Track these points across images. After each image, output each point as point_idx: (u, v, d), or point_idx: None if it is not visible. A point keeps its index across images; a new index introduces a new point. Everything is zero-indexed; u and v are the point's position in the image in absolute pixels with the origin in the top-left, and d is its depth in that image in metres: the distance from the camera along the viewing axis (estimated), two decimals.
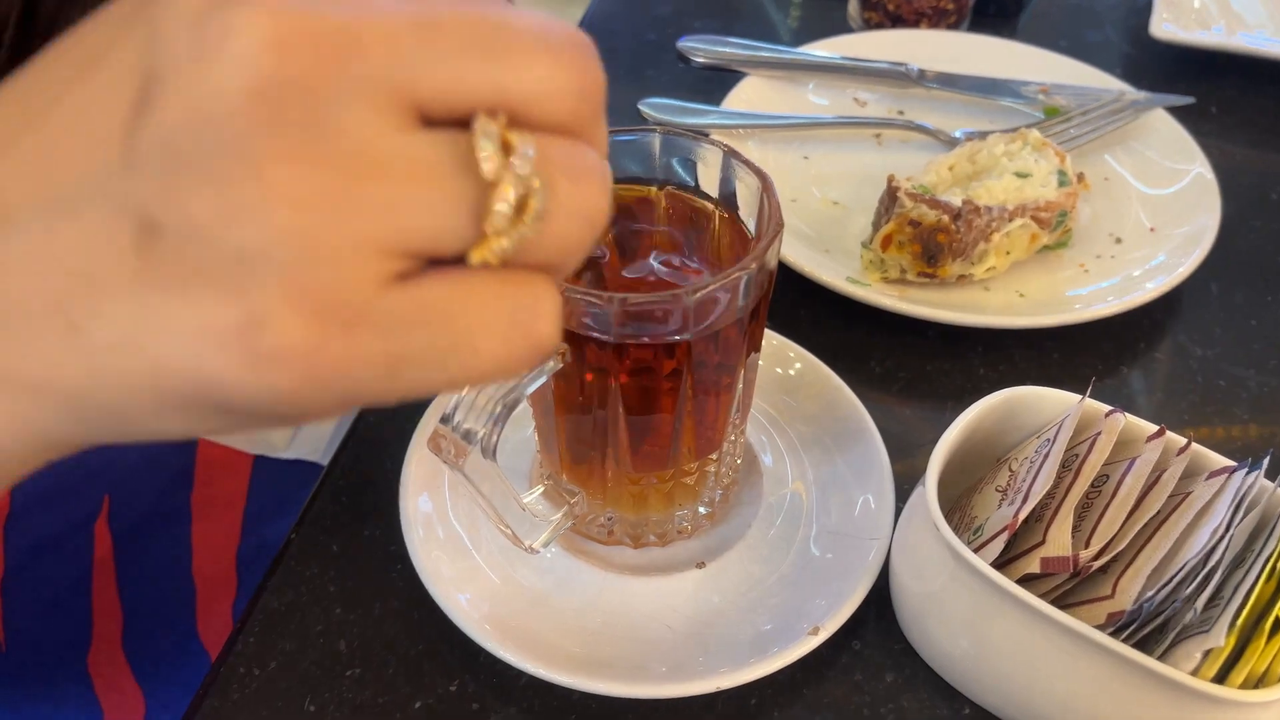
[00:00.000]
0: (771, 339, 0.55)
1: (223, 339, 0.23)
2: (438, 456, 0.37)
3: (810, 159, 0.70)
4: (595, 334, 0.38)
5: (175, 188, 0.22)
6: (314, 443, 0.69)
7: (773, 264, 0.41)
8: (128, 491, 0.64)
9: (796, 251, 0.60)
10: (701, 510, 0.48)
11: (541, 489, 0.46)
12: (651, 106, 0.69)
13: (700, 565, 0.47)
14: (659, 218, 0.45)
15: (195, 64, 0.22)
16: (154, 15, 0.24)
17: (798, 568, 0.47)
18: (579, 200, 0.25)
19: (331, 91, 0.22)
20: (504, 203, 0.24)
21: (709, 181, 0.44)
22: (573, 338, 0.39)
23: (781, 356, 0.55)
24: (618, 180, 0.44)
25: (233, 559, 0.65)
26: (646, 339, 0.39)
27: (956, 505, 0.47)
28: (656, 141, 0.44)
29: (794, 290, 0.60)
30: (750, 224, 0.43)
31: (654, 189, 0.45)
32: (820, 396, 0.53)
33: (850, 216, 0.66)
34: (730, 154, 0.42)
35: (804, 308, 0.61)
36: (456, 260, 0.25)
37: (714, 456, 0.45)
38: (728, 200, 0.44)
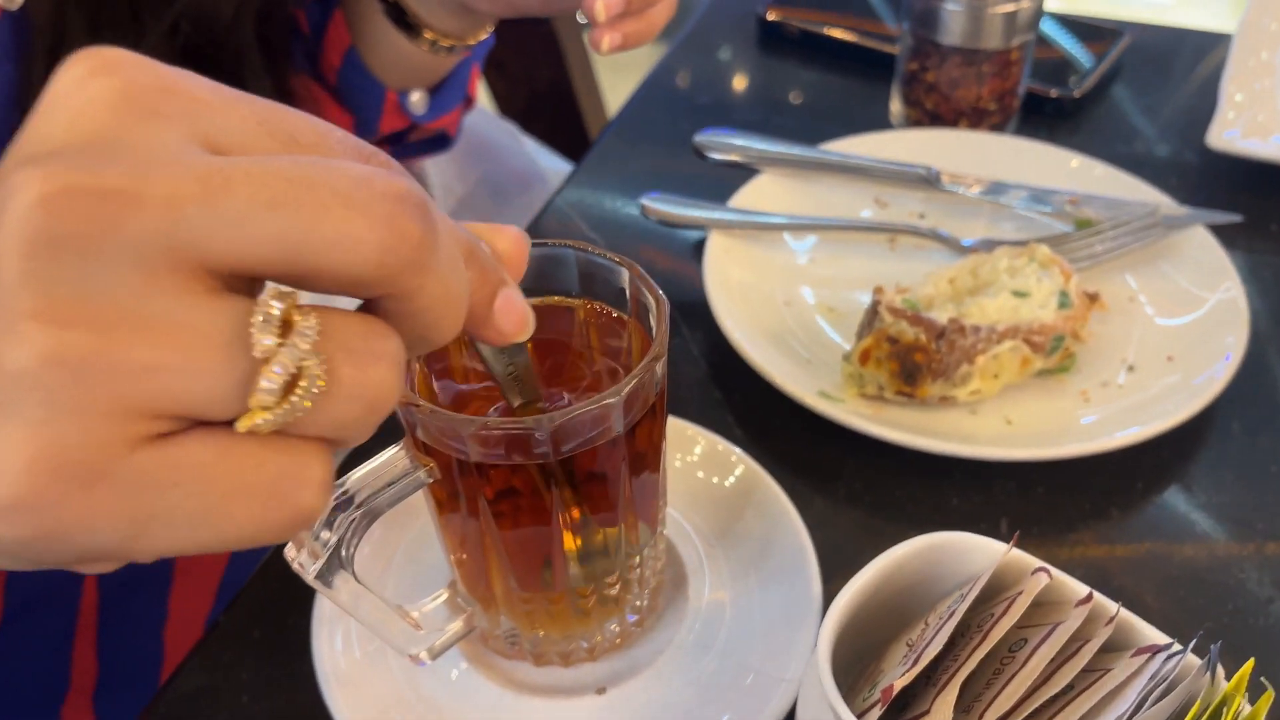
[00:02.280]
0: (717, 444, 0.53)
1: None
2: (290, 565, 0.37)
3: (814, 261, 0.68)
4: (459, 455, 0.38)
5: None
6: None
7: (655, 387, 0.39)
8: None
9: (770, 359, 0.58)
10: (601, 637, 0.46)
11: (444, 595, 0.45)
12: (654, 201, 0.68)
13: (601, 691, 0.46)
14: (578, 329, 0.44)
15: None
16: None
17: (701, 704, 0.45)
18: (360, 382, 0.25)
19: (101, 250, 0.22)
20: (270, 380, 0.24)
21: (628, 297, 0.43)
22: (438, 453, 0.38)
23: (721, 463, 0.53)
24: (539, 292, 0.44)
25: (202, 625, 0.66)
26: (510, 461, 0.38)
27: (878, 651, 0.44)
28: (574, 258, 0.43)
29: (767, 399, 0.58)
30: None
31: (576, 303, 0.44)
32: (764, 515, 0.51)
33: (842, 325, 0.63)
34: (635, 275, 0.41)
35: (776, 417, 0.59)
36: (227, 422, 0.25)
37: (610, 581, 0.44)
38: (641, 316, 0.43)
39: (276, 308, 0.24)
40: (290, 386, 0.24)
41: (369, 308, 0.26)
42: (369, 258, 0.24)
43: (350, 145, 0.27)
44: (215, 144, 0.25)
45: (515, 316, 0.30)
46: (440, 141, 0.78)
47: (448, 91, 0.73)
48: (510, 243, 0.31)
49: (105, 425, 0.23)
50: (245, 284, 0.25)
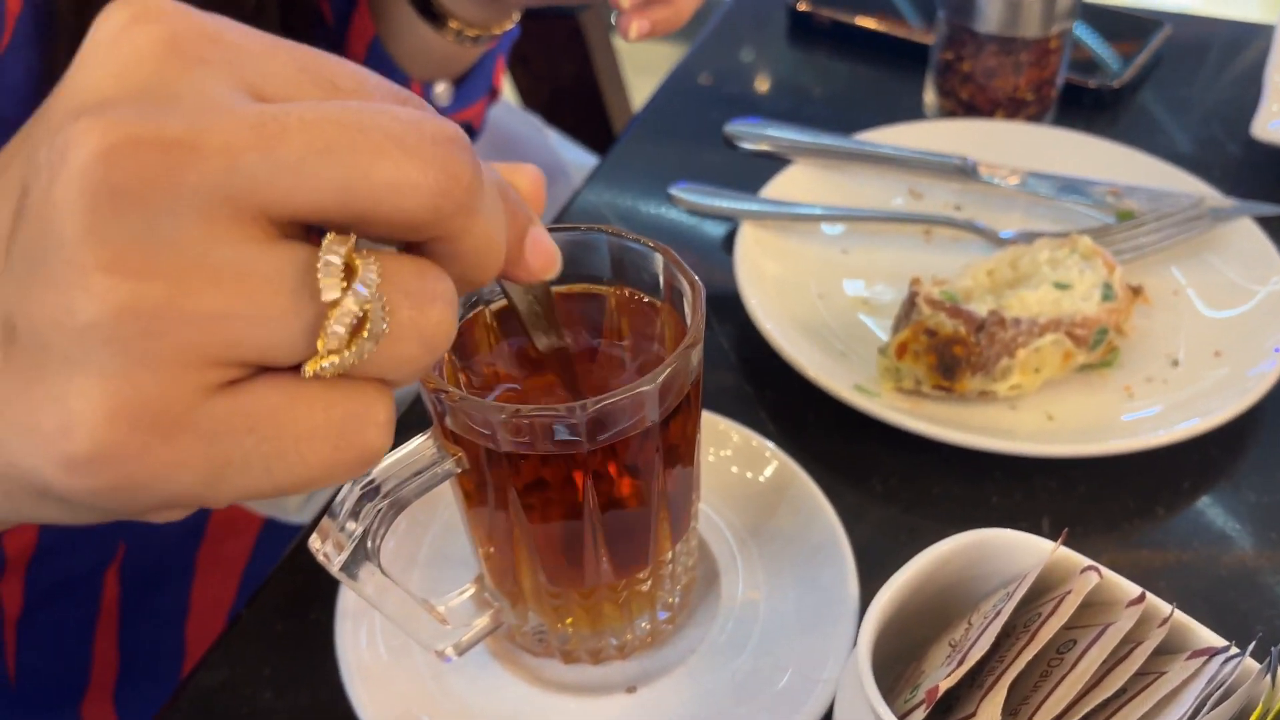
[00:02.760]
0: (751, 439, 0.52)
1: (44, 440, 0.24)
2: (315, 556, 0.36)
3: (849, 253, 0.66)
4: (488, 445, 0.36)
5: (24, 292, 0.23)
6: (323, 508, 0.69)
7: (691, 376, 0.38)
8: (142, 541, 0.66)
9: (805, 353, 0.57)
10: (632, 635, 0.45)
11: (472, 590, 0.44)
12: (683, 191, 0.67)
13: (631, 690, 0.44)
14: (610, 316, 0.43)
15: (47, 176, 0.23)
16: (33, 131, 0.26)
17: (734, 704, 0.43)
18: (419, 324, 0.25)
19: (164, 201, 0.23)
20: (340, 324, 0.24)
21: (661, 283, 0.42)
22: (467, 442, 0.37)
23: (754, 458, 0.51)
24: (569, 280, 0.42)
25: (224, 619, 0.65)
26: (541, 451, 0.36)
27: (918, 652, 0.43)
28: (606, 243, 0.42)
29: (801, 393, 0.57)
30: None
31: (608, 289, 0.43)
32: (798, 511, 0.50)
33: (878, 317, 0.62)
34: (669, 260, 0.40)
35: (811, 412, 0.57)
36: (292, 367, 0.25)
37: (642, 576, 0.43)
38: (675, 302, 0.41)
39: (339, 252, 0.24)
40: (356, 330, 0.24)
41: (414, 250, 0.26)
42: (424, 201, 0.24)
43: (387, 89, 0.27)
44: (259, 91, 0.25)
45: (544, 253, 0.31)
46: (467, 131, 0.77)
47: (472, 83, 0.72)
48: (529, 181, 0.32)
49: (180, 374, 0.23)
50: (300, 230, 0.25)
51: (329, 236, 0.24)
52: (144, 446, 0.23)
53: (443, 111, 0.70)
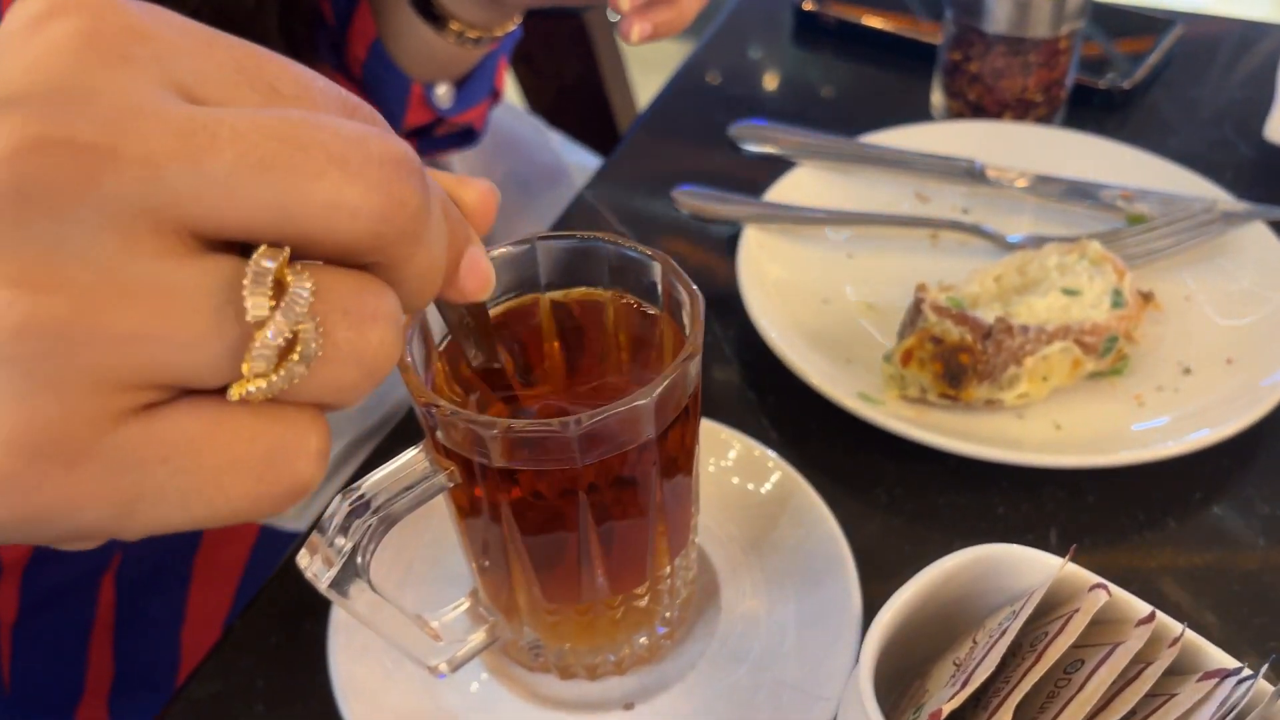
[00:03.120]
0: (753, 449, 0.51)
1: None
2: (303, 574, 0.35)
3: (854, 257, 0.65)
4: (481, 459, 0.35)
5: None
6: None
7: (689, 388, 0.37)
8: (139, 548, 0.65)
9: (808, 359, 0.56)
10: (630, 650, 0.44)
11: (466, 604, 0.43)
12: (686, 194, 0.66)
13: (629, 707, 0.43)
14: (608, 325, 0.42)
15: None
16: None
17: None
18: (357, 345, 0.23)
19: (75, 210, 0.21)
20: (266, 346, 0.22)
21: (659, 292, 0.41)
22: (458, 457, 0.36)
23: (755, 468, 0.50)
24: (569, 284, 0.42)
25: (220, 627, 0.64)
26: (535, 465, 0.35)
27: (922, 669, 0.42)
28: (605, 251, 0.41)
29: (804, 400, 0.56)
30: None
31: (605, 297, 0.42)
32: (800, 523, 0.49)
33: (883, 323, 0.61)
34: (668, 269, 0.39)
35: (813, 420, 0.57)
36: (217, 390, 0.23)
37: (639, 591, 0.42)
38: (674, 312, 0.40)
39: (269, 266, 0.22)
40: (285, 352, 0.22)
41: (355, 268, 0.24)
42: (365, 226, 0.22)
43: (333, 97, 0.25)
44: (190, 92, 0.23)
45: (479, 276, 0.29)
46: (467, 136, 0.76)
47: (474, 84, 0.71)
48: (477, 197, 0.30)
49: (87, 399, 0.21)
50: (232, 245, 0.23)
51: (261, 249, 0.22)
52: (43, 476, 0.21)
53: (444, 113, 0.70)
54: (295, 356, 0.22)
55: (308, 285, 0.22)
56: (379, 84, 0.68)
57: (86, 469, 0.22)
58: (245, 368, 0.22)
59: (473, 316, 0.35)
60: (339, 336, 0.23)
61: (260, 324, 0.22)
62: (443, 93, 0.69)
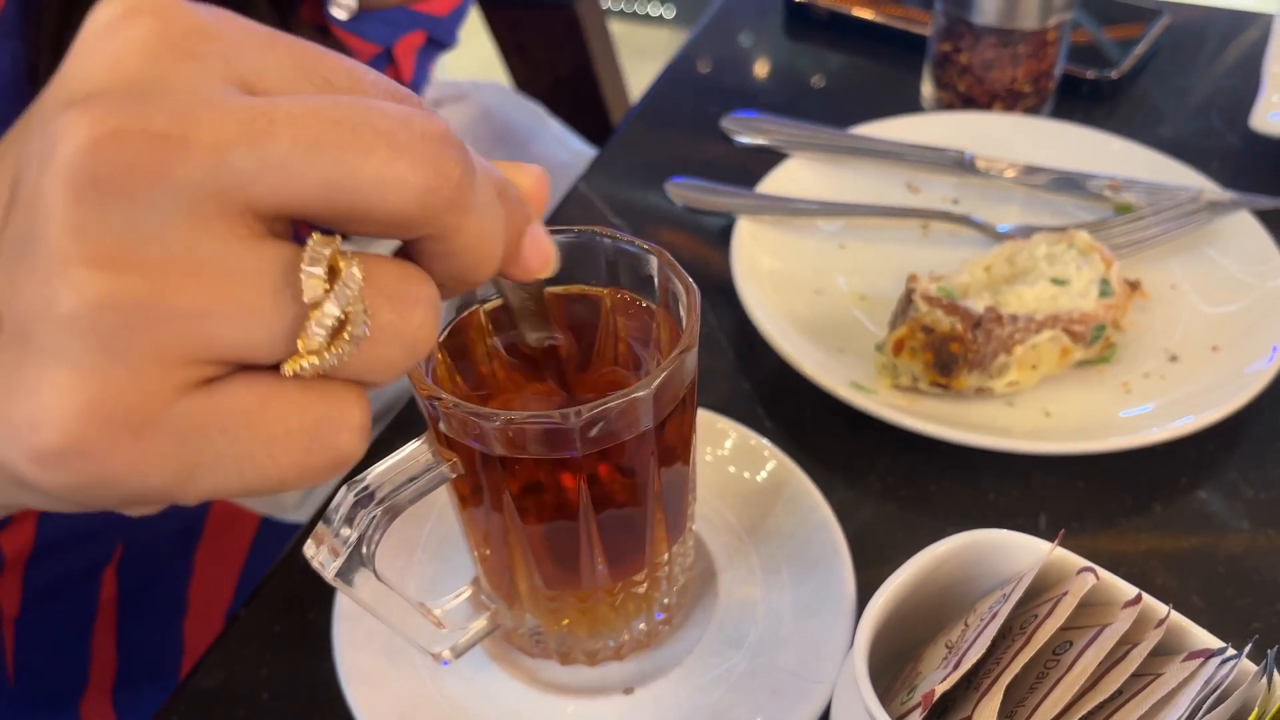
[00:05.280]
0: (749, 438, 0.52)
1: (15, 432, 0.24)
2: (310, 563, 0.36)
3: (845, 248, 0.66)
4: (483, 450, 0.36)
5: (10, 281, 0.23)
6: (320, 507, 0.69)
7: (686, 379, 0.38)
8: (140, 540, 0.66)
9: (801, 349, 0.57)
10: (629, 636, 0.45)
11: (468, 592, 0.44)
12: (679, 186, 0.67)
13: (628, 691, 0.44)
14: (604, 318, 0.43)
15: (37, 167, 0.23)
16: (28, 122, 0.26)
17: (731, 706, 0.43)
18: (400, 327, 0.25)
19: (149, 195, 0.22)
20: (321, 326, 0.24)
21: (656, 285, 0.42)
22: (461, 447, 0.37)
23: (750, 457, 0.51)
24: (565, 282, 0.42)
25: (222, 618, 0.65)
26: (535, 455, 0.36)
27: (915, 652, 0.43)
28: (601, 245, 0.42)
29: (797, 390, 0.57)
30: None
31: (604, 290, 0.43)
32: (795, 510, 0.49)
33: (875, 313, 0.61)
34: (664, 263, 0.40)
35: (807, 409, 0.57)
36: (270, 367, 0.25)
37: (638, 578, 0.42)
38: (670, 305, 0.41)
39: (324, 254, 0.24)
40: (337, 332, 0.24)
41: (407, 249, 0.26)
42: (413, 198, 0.24)
43: (384, 87, 0.27)
44: (252, 86, 0.25)
45: (542, 253, 0.31)
46: (428, 23, 0.73)
47: (372, 21, 0.67)
48: (532, 180, 0.31)
49: (156, 371, 0.23)
50: (287, 227, 0.25)
51: (314, 237, 0.24)
52: (114, 443, 0.23)
53: (334, 23, 0.67)
54: (346, 336, 0.24)
55: (358, 271, 0.24)
56: None
57: (153, 437, 0.24)
58: (300, 344, 0.24)
59: (533, 298, 0.36)
60: (384, 319, 0.25)
61: (316, 304, 0.24)
62: (344, 2, 0.66)
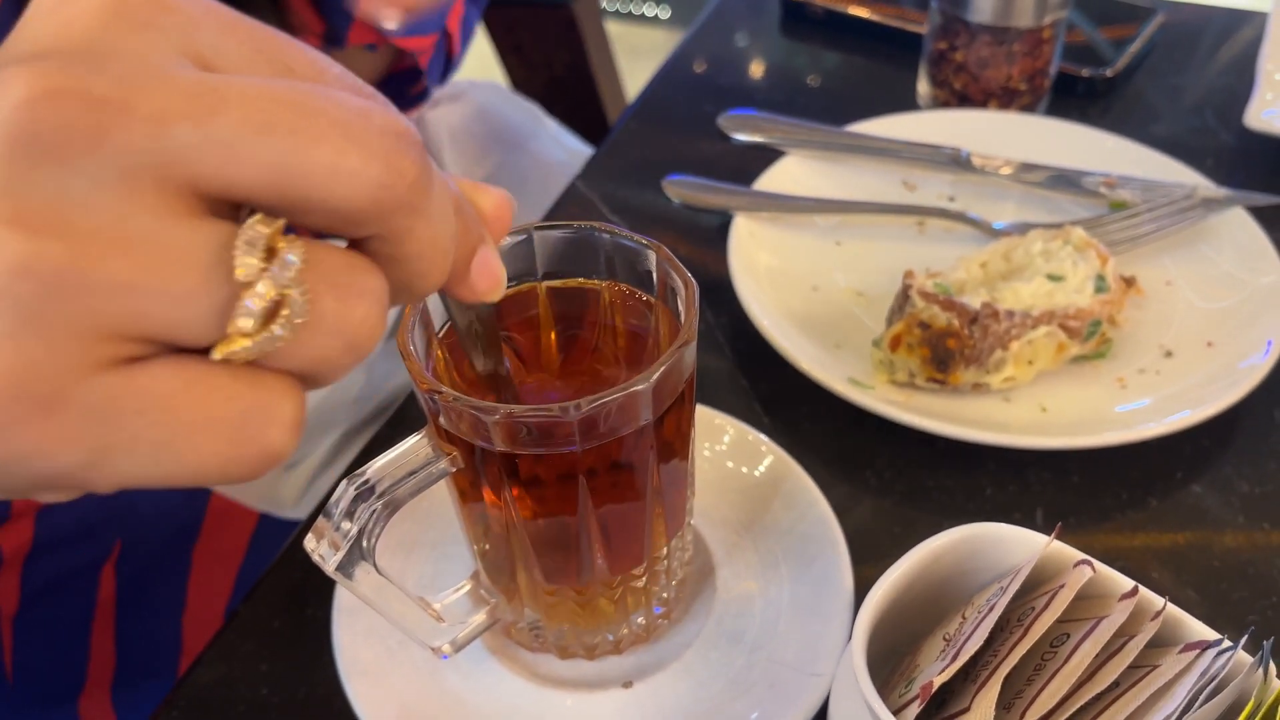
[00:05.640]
0: (747, 434, 0.52)
1: None
2: (311, 556, 0.36)
3: (842, 245, 0.66)
4: (483, 444, 0.36)
5: None
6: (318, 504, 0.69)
7: (685, 374, 0.38)
8: (138, 537, 0.66)
9: (799, 345, 0.57)
10: (628, 630, 0.45)
11: (467, 586, 0.44)
12: (676, 184, 0.67)
13: (627, 685, 0.44)
14: (603, 313, 0.43)
15: None
16: None
17: (730, 700, 0.43)
18: (342, 317, 0.24)
19: (84, 160, 0.21)
20: (252, 304, 0.23)
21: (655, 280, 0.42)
22: (461, 442, 0.37)
23: (748, 452, 0.51)
24: (565, 274, 0.42)
25: (221, 614, 0.65)
26: (535, 449, 0.36)
27: (912, 645, 0.43)
28: (600, 240, 0.42)
29: (795, 385, 0.57)
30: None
31: (601, 285, 0.43)
32: (793, 505, 0.50)
33: (872, 310, 0.62)
34: (663, 258, 0.40)
35: (805, 405, 0.58)
36: (201, 351, 0.24)
37: (637, 573, 0.43)
38: (669, 300, 0.41)
39: (261, 232, 0.23)
40: (271, 314, 0.23)
41: (353, 249, 0.25)
42: (363, 192, 0.23)
43: (348, 82, 0.26)
44: (208, 63, 0.24)
45: (490, 275, 0.30)
46: (412, 78, 0.74)
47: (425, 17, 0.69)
48: (493, 203, 0.30)
49: (73, 345, 0.22)
50: (229, 210, 0.24)
51: (255, 217, 0.23)
52: (21, 418, 0.22)
53: (388, 34, 0.68)
54: (280, 320, 0.23)
55: (299, 253, 0.23)
56: None
57: (64, 414, 0.22)
58: (231, 325, 0.23)
59: (481, 322, 0.35)
60: (324, 307, 0.24)
61: (249, 284, 0.23)
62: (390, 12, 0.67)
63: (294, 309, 0.23)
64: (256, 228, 0.23)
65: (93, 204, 0.21)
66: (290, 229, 0.24)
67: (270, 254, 0.23)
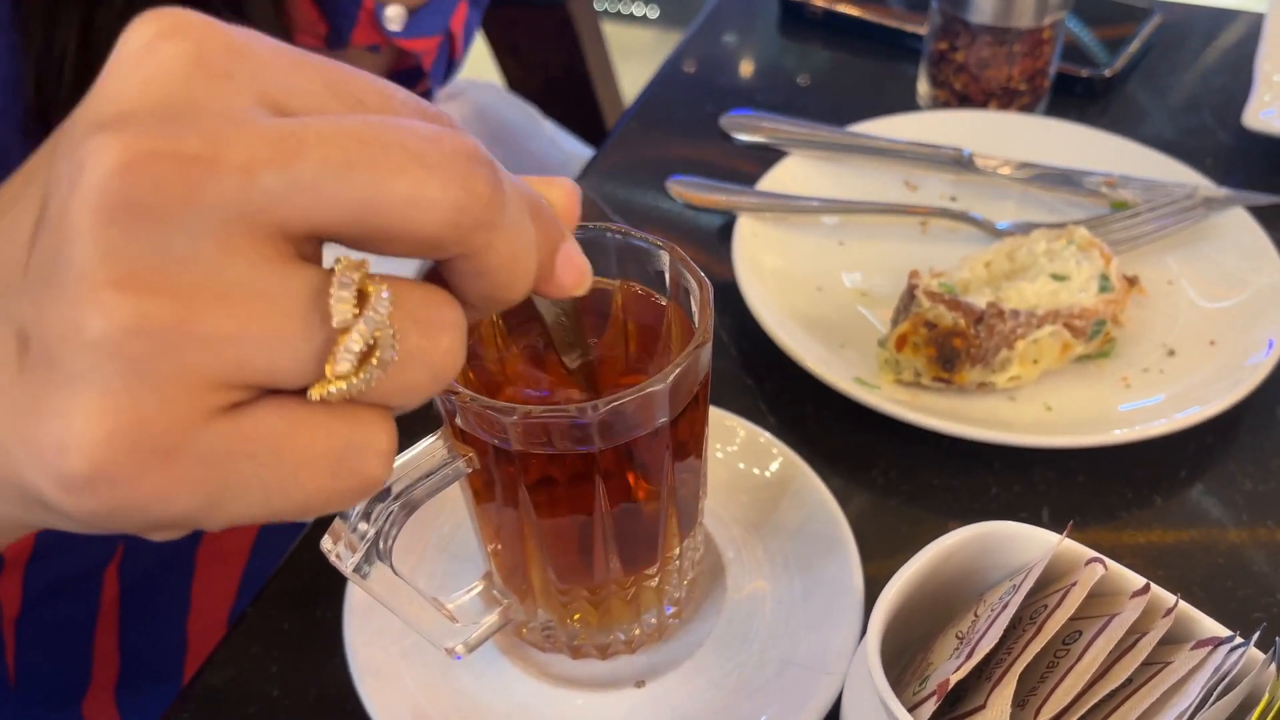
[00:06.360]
0: (759, 436, 0.52)
1: (42, 457, 0.23)
2: (328, 557, 0.36)
3: (845, 245, 0.67)
4: (499, 442, 0.36)
5: (38, 304, 0.23)
6: None
7: (700, 374, 0.38)
8: (141, 540, 0.65)
9: (805, 345, 0.57)
10: (639, 630, 0.45)
11: (480, 587, 0.44)
12: (680, 184, 0.67)
13: (640, 684, 0.45)
14: (616, 314, 0.43)
15: (66, 188, 0.23)
16: (58, 143, 0.25)
17: (742, 698, 0.44)
18: (428, 351, 0.25)
19: (180, 217, 0.22)
20: (350, 351, 0.24)
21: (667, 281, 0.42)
22: (477, 442, 0.37)
23: (758, 453, 0.52)
24: None
25: (225, 616, 0.65)
26: (552, 449, 0.36)
27: (925, 644, 0.43)
28: (612, 241, 0.42)
29: (800, 385, 0.57)
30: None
31: (613, 286, 0.43)
32: (801, 506, 0.50)
33: (877, 309, 0.62)
34: (676, 258, 0.40)
35: (810, 404, 0.58)
36: (296, 391, 0.25)
37: (650, 572, 0.43)
38: (682, 300, 0.42)
39: (353, 277, 0.24)
40: (365, 356, 0.24)
41: (439, 269, 0.26)
42: (442, 217, 0.24)
43: (414, 106, 0.26)
44: (283, 107, 0.24)
45: (576, 270, 0.30)
46: (414, 77, 0.74)
47: (427, 14, 0.69)
48: (563, 194, 0.31)
49: (184, 396, 0.23)
50: (315, 249, 0.25)
51: (342, 260, 0.24)
52: (141, 469, 0.23)
53: (392, 35, 0.68)
54: (374, 360, 0.24)
55: (387, 295, 0.24)
56: None
57: (181, 462, 0.23)
58: (329, 369, 0.24)
59: (566, 315, 0.36)
60: (411, 343, 0.25)
61: (345, 329, 0.24)
62: (393, 14, 0.67)
63: (385, 350, 0.24)
64: (347, 273, 0.24)
65: (193, 260, 0.22)
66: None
67: (361, 298, 0.24)
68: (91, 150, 0.22)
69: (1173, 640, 0.39)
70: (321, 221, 0.23)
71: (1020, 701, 0.37)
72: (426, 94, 0.76)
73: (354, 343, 0.24)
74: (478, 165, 0.24)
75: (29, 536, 0.63)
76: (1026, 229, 0.64)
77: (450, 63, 0.76)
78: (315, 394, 0.24)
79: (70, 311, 0.22)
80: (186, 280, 0.22)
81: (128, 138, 0.22)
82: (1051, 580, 0.41)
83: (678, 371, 0.36)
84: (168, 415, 0.23)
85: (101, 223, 0.22)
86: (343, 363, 0.24)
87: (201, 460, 0.23)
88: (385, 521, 0.36)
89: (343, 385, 0.24)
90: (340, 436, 0.25)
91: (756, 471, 0.51)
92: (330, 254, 0.25)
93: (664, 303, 0.42)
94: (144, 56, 0.24)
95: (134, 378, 0.22)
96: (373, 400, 0.25)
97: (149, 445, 0.23)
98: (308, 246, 0.24)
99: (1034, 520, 0.52)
